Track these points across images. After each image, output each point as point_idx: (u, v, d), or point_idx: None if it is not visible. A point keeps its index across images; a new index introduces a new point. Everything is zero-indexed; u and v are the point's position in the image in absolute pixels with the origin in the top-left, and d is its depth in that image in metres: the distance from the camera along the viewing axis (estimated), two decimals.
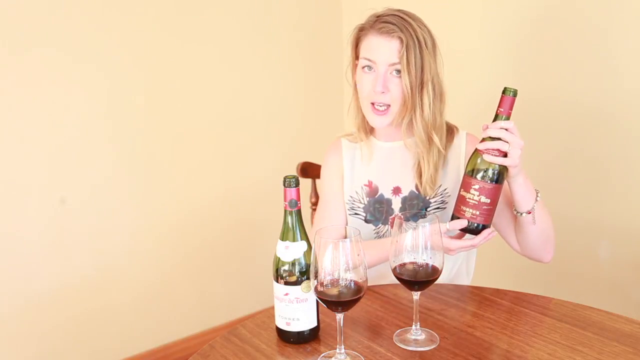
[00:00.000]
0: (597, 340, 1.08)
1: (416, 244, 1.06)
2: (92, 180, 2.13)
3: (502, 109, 1.18)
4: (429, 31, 1.36)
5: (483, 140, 1.20)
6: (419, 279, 1.07)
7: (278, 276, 1.09)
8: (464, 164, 1.40)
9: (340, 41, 2.68)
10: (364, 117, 1.46)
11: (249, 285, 2.57)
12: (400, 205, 1.43)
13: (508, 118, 1.18)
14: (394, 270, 1.08)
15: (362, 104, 1.41)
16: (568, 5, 1.87)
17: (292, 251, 1.08)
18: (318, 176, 1.85)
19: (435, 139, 1.37)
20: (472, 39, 2.15)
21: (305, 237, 1.10)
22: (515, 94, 1.17)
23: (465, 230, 1.22)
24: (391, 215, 1.44)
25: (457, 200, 1.22)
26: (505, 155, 1.18)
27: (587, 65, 1.85)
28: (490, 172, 1.19)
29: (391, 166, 1.45)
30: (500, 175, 1.19)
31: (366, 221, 1.46)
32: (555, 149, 1.97)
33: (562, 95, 1.93)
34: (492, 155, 1.18)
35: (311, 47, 2.62)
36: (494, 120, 1.19)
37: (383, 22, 1.34)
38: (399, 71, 1.34)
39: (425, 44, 1.34)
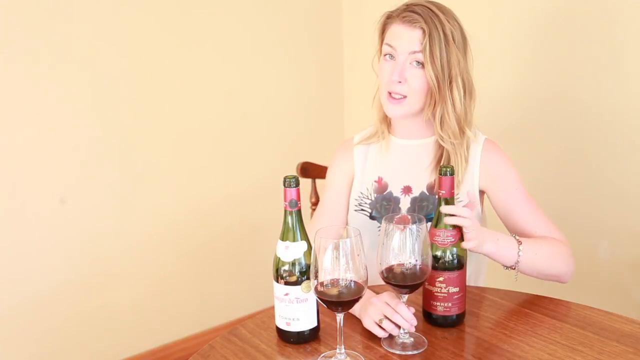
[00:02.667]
0: (597, 340, 1.08)
1: (404, 246, 1.05)
2: (92, 180, 2.13)
3: (443, 191, 1.11)
4: (460, 27, 1.33)
5: (433, 229, 1.13)
6: (407, 282, 1.06)
7: (278, 276, 1.09)
8: (478, 171, 1.37)
9: (340, 41, 2.68)
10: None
11: (249, 285, 2.57)
12: (409, 205, 1.40)
13: (451, 199, 1.12)
14: (380, 274, 1.07)
15: (380, 93, 1.39)
16: (575, 6, 1.87)
17: (292, 251, 1.08)
18: (318, 176, 1.85)
19: (468, 132, 1.35)
20: (480, 38, 2.14)
21: (305, 237, 1.10)
22: (452, 172, 1.10)
23: (440, 325, 1.16)
24: (398, 214, 1.42)
25: (424, 295, 1.15)
26: (461, 236, 1.13)
27: (592, 66, 1.85)
28: (450, 259, 1.12)
29: (405, 165, 1.42)
30: (461, 258, 1.13)
31: (371, 217, 1.44)
32: (557, 148, 1.97)
33: (564, 95, 1.93)
34: (448, 242, 1.11)
35: (311, 47, 2.62)
36: (438, 202, 1.13)
37: (408, 11, 1.31)
38: (419, 62, 1.31)
39: (453, 38, 1.30)
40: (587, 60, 1.86)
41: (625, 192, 1.83)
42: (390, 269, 1.06)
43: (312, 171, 1.85)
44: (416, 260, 1.05)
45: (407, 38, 1.31)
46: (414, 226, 1.05)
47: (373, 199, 1.44)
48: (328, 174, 1.54)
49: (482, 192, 1.41)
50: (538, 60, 1.99)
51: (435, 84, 1.31)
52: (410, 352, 1.07)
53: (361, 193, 1.46)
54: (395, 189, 1.42)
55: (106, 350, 2.24)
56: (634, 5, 1.73)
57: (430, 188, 1.39)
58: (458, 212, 1.11)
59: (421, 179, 1.40)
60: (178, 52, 2.25)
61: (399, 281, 1.06)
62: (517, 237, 1.24)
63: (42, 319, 2.08)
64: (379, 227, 1.43)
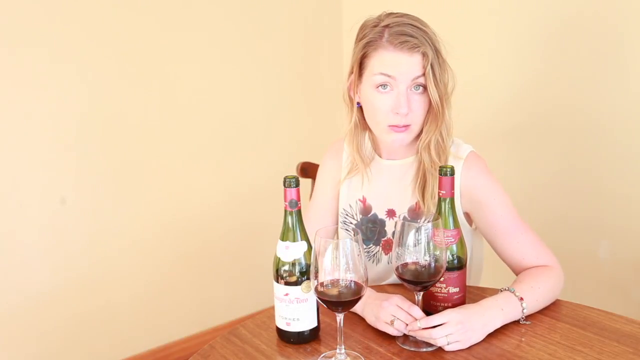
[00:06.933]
0: (597, 340, 1.08)
1: (419, 244, 1.06)
2: (92, 180, 2.13)
3: (443, 191, 1.11)
4: (438, 37, 1.25)
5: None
6: (421, 279, 1.07)
7: (278, 276, 1.09)
8: (459, 193, 1.29)
9: (340, 41, 2.68)
10: (370, 134, 1.37)
11: (249, 285, 2.56)
12: (394, 229, 1.31)
13: (451, 200, 1.12)
14: (396, 270, 1.08)
15: (375, 127, 1.29)
16: (578, 12, 1.86)
17: (292, 251, 1.08)
18: None
19: (451, 154, 1.30)
20: (484, 43, 2.14)
21: (305, 237, 1.10)
22: (452, 172, 1.10)
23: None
24: (384, 236, 1.38)
25: (424, 294, 1.14)
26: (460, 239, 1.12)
27: (592, 69, 1.84)
28: (450, 259, 1.12)
29: (389, 187, 1.37)
30: (461, 258, 1.13)
31: None
32: (558, 149, 1.97)
33: (565, 98, 1.93)
34: (448, 242, 1.11)
35: (311, 46, 2.62)
36: (438, 203, 1.12)
37: (401, 35, 1.20)
38: (419, 86, 1.23)
39: (441, 52, 1.24)
40: (587, 64, 1.85)
41: (625, 192, 1.83)
42: (405, 266, 1.07)
43: (312, 171, 1.84)
44: (431, 258, 1.06)
45: (408, 65, 1.21)
46: (430, 224, 1.05)
47: (358, 220, 1.41)
48: (318, 177, 1.51)
49: (466, 213, 1.34)
50: (540, 64, 1.98)
51: (440, 106, 1.23)
52: (424, 349, 1.08)
53: (344, 209, 1.43)
54: (379, 212, 1.38)
55: (106, 350, 2.24)
56: (637, 11, 1.72)
57: (411, 212, 1.35)
58: (430, 334, 1.06)
59: (404, 202, 1.35)
60: (178, 52, 2.25)
61: (414, 278, 1.07)
62: (517, 293, 1.15)
63: (42, 319, 2.08)
64: (365, 249, 1.41)
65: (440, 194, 1.12)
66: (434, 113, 1.25)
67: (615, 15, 1.77)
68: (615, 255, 1.87)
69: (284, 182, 1.06)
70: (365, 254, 1.41)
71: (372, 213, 1.39)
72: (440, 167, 1.11)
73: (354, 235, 0.99)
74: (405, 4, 1.40)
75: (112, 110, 2.13)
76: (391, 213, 1.37)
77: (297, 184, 1.07)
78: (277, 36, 2.50)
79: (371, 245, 1.40)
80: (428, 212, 1.30)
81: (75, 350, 2.17)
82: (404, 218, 1.17)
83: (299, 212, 1.09)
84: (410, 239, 1.06)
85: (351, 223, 1.42)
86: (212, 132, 2.39)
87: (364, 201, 1.40)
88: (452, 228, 1.13)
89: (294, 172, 1.83)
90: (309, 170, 1.84)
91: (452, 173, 1.10)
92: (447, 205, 1.12)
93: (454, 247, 1.13)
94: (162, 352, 2.38)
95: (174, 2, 2.20)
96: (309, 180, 1.86)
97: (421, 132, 1.29)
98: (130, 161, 2.21)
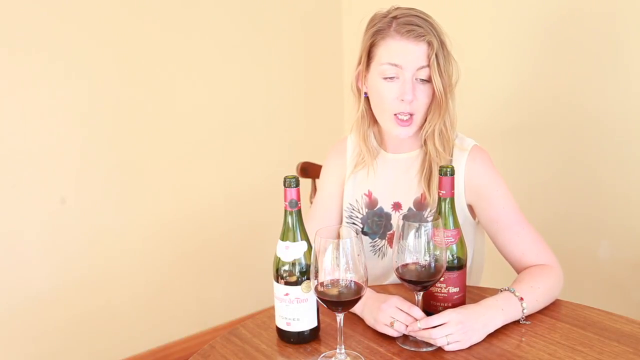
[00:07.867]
0: (597, 340, 1.08)
1: (419, 244, 1.06)
2: (92, 180, 2.13)
3: (443, 191, 1.11)
4: (443, 30, 1.29)
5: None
6: (421, 279, 1.07)
7: (278, 276, 1.09)
8: (463, 185, 1.31)
9: (340, 41, 2.68)
10: (374, 128, 1.40)
11: (249, 285, 2.57)
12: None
13: (451, 200, 1.13)
14: (396, 271, 1.08)
15: (380, 116, 1.32)
16: (577, 10, 1.86)
17: (292, 251, 1.08)
18: (318, 176, 1.84)
19: (452, 140, 1.32)
20: (482, 40, 2.14)
21: (305, 237, 1.10)
22: (452, 172, 1.10)
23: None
24: (389, 230, 1.39)
25: (423, 294, 1.14)
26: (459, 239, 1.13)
27: (592, 68, 1.85)
28: (450, 259, 1.12)
29: (394, 180, 1.39)
30: (461, 258, 1.13)
31: (363, 233, 1.42)
32: (558, 148, 1.97)
33: (565, 97, 1.93)
34: (448, 242, 1.11)
35: (311, 46, 2.62)
36: (438, 203, 1.13)
37: (408, 24, 1.25)
38: (425, 77, 1.26)
39: (446, 44, 1.28)
40: (587, 62, 1.85)
41: (625, 192, 1.83)
42: (405, 266, 1.07)
43: (312, 171, 1.85)
44: (431, 258, 1.06)
45: (414, 54, 1.25)
46: (430, 224, 1.05)
47: (364, 214, 1.42)
48: (321, 176, 1.52)
49: (470, 205, 1.35)
50: (540, 62, 1.98)
51: (442, 96, 1.27)
52: (424, 349, 1.08)
53: (350, 204, 1.44)
54: (385, 205, 1.40)
55: (106, 350, 2.24)
56: (636, 9, 1.72)
57: (417, 204, 1.36)
58: (431, 334, 1.06)
59: (409, 195, 1.37)
60: (178, 52, 2.25)
61: (414, 278, 1.07)
62: (517, 293, 1.15)
63: (42, 319, 2.08)
64: (371, 242, 1.42)
65: (440, 194, 1.12)
66: (437, 103, 1.28)
67: (615, 13, 1.77)
68: (615, 255, 1.87)
69: (284, 182, 1.06)
70: (371, 247, 1.42)
71: (377, 207, 1.40)
72: (440, 167, 1.12)
73: (355, 235, 0.99)
74: (405, 3, 1.40)
75: (112, 110, 2.14)
76: (397, 206, 1.38)
77: (297, 184, 1.07)
78: (277, 36, 2.50)
79: (377, 239, 1.41)
80: (434, 203, 1.31)
81: (75, 350, 2.17)
82: (405, 217, 1.18)
83: (299, 212, 1.09)
84: (411, 238, 1.06)
85: (357, 217, 1.43)
86: (212, 132, 2.39)
87: (369, 195, 1.41)
88: (452, 228, 1.13)
89: (294, 172, 1.83)
90: (309, 170, 1.84)
91: (452, 173, 1.10)
92: (447, 205, 1.13)
93: (454, 247, 1.13)
94: (162, 352, 2.38)
95: (174, 2, 2.20)
96: (309, 180, 1.86)
97: (425, 123, 1.32)
98: (130, 161, 2.21)
